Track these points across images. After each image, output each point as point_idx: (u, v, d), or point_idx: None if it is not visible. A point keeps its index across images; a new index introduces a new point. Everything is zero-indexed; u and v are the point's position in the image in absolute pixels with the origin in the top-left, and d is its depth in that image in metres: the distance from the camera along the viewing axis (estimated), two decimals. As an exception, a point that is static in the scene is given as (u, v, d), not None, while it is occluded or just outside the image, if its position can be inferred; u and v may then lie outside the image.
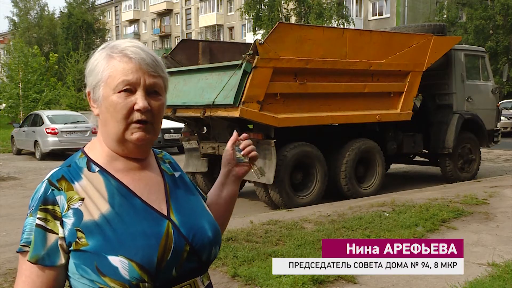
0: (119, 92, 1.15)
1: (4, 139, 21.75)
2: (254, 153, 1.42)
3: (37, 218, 1.12)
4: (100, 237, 1.10)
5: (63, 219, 1.12)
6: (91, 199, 1.14)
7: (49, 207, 1.12)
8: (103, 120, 1.19)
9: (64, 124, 15.03)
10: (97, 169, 1.19)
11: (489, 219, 6.17)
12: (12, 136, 17.64)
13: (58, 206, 1.12)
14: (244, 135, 1.44)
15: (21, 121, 19.09)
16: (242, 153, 1.41)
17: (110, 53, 1.18)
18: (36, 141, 15.25)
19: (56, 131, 14.73)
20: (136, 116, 1.16)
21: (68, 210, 1.12)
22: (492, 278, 4.06)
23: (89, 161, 1.20)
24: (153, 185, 1.22)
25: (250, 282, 4.07)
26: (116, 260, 1.08)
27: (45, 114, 15.96)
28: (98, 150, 1.22)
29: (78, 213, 1.12)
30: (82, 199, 1.13)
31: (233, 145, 1.43)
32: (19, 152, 17.20)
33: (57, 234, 1.11)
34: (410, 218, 5.97)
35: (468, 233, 5.60)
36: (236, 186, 1.45)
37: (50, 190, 1.14)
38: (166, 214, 1.19)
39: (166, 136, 15.27)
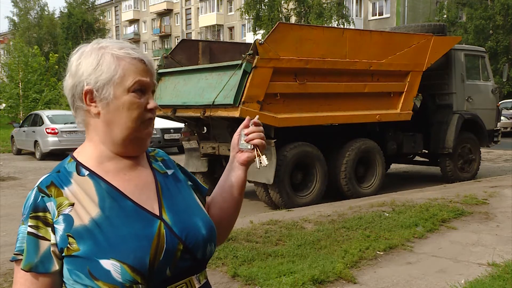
0: (132, 92, 1.16)
1: (4, 139, 21.75)
2: (257, 140, 1.34)
3: (29, 226, 1.12)
4: (90, 242, 1.09)
5: (55, 225, 1.11)
6: (81, 203, 1.13)
7: (40, 214, 1.12)
8: (107, 120, 1.17)
9: (64, 124, 15.01)
10: (86, 172, 1.18)
11: (489, 219, 6.17)
12: (12, 136, 17.64)
13: (49, 213, 1.12)
14: (254, 120, 1.37)
15: (21, 121, 19.09)
16: (245, 139, 1.36)
17: (115, 53, 1.17)
18: (36, 141, 15.25)
19: (56, 131, 14.73)
20: (149, 115, 1.20)
21: (58, 216, 1.12)
22: (492, 278, 4.06)
23: (78, 165, 1.19)
24: (144, 185, 1.21)
25: (250, 282, 4.07)
26: (108, 264, 1.08)
27: (45, 114, 15.95)
28: (88, 152, 1.21)
29: (68, 219, 1.11)
30: (72, 204, 1.13)
31: (241, 130, 1.38)
32: (19, 152, 17.20)
33: (49, 240, 1.11)
34: (410, 218, 5.97)
35: (468, 233, 5.60)
36: (241, 171, 1.38)
37: (40, 197, 1.13)
38: (158, 214, 1.18)
39: (166, 136, 15.28)
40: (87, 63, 1.17)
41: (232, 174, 1.40)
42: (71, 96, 1.20)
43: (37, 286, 1.12)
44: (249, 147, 1.35)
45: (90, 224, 1.11)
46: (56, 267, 1.12)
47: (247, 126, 1.37)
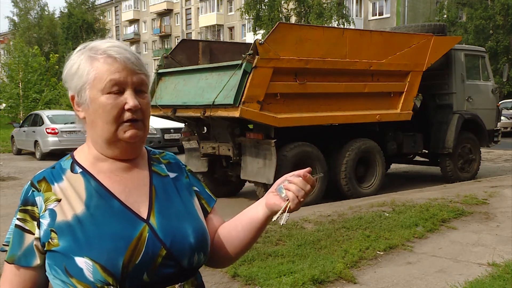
0: (107, 93, 1.14)
1: (4, 139, 21.74)
2: (291, 194, 1.18)
3: (17, 218, 1.14)
4: (70, 238, 1.09)
5: (40, 219, 1.12)
6: (68, 200, 1.13)
7: (29, 208, 1.14)
8: (90, 123, 1.17)
9: (64, 124, 15.01)
10: (79, 170, 1.18)
11: (489, 219, 6.17)
12: (12, 136, 17.64)
13: (37, 207, 1.13)
14: (307, 175, 1.21)
15: (21, 121, 19.09)
16: (284, 184, 1.21)
17: (92, 54, 1.16)
18: (36, 141, 15.25)
19: (56, 131, 14.73)
20: (127, 115, 1.14)
21: (45, 211, 1.12)
22: (492, 278, 4.06)
23: (74, 163, 1.20)
24: (135, 187, 1.20)
25: (250, 282, 4.07)
26: (82, 262, 1.07)
27: (45, 114, 15.96)
28: (85, 152, 1.22)
29: (52, 214, 1.12)
30: (59, 200, 1.13)
31: (290, 176, 1.23)
32: (19, 152, 17.20)
33: (34, 234, 1.12)
34: (410, 218, 5.97)
35: (468, 233, 5.60)
36: (262, 212, 1.24)
37: (31, 191, 1.15)
38: (145, 217, 1.16)
39: (166, 136, 15.28)
40: (70, 70, 1.19)
41: (255, 209, 1.27)
42: (70, 101, 1.23)
43: (19, 279, 1.14)
44: (283, 195, 1.20)
45: (72, 221, 1.11)
46: (38, 261, 1.13)
47: (300, 176, 1.21)
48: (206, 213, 1.32)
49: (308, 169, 1.23)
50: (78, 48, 1.21)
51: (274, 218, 1.21)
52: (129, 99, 1.14)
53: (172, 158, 1.35)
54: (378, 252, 4.84)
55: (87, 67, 1.15)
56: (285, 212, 1.18)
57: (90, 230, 1.10)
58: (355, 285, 4.08)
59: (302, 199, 1.19)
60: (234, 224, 1.30)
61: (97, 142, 1.19)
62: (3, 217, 7.12)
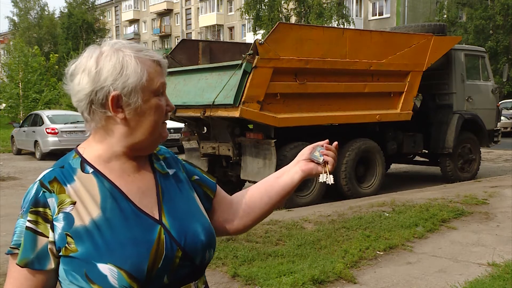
0: (156, 95, 1.17)
1: (4, 139, 21.73)
2: (331, 159, 1.38)
3: (28, 220, 1.09)
4: (89, 244, 1.07)
5: (54, 222, 1.09)
6: (83, 203, 1.10)
7: (40, 209, 1.09)
8: (132, 124, 1.14)
9: (64, 124, 15.02)
10: (91, 170, 1.15)
11: (489, 219, 6.17)
12: (12, 136, 17.64)
13: (49, 209, 1.09)
14: (335, 143, 1.43)
15: (21, 121, 19.09)
16: (322, 151, 1.39)
17: (136, 55, 1.14)
18: (36, 141, 15.26)
19: (56, 131, 14.73)
20: (168, 116, 1.21)
21: (58, 213, 1.09)
22: (492, 278, 4.06)
23: (83, 162, 1.16)
24: (146, 189, 1.19)
25: (250, 282, 4.07)
26: (105, 268, 1.05)
27: (45, 114, 15.96)
28: (95, 151, 1.17)
29: (69, 218, 1.08)
30: (74, 203, 1.10)
31: (317, 145, 1.42)
32: (19, 152, 17.20)
33: (48, 237, 1.09)
34: (410, 218, 5.98)
35: (468, 233, 5.60)
36: (298, 176, 1.41)
37: (42, 192, 1.10)
38: (158, 219, 1.15)
39: (166, 136, 15.28)
40: (109, 68, 1.12)
41: (285, 177, 1.42)
42: (89, 101, 1.13)
43: (31, 283, 1.10)
44: (320, 160, 1.39)
45: (90, 225, 1.08)
46: (52, 265, 1.09)
47: (329, 144, 1.42)
48: (210, 200, 1.35)
49: (327, 140, 1.42)
50: (107, 47, 1.15)
51: (322, 180, 1.38)
52: (168, 101, 1.21)
53: (166, 152, 1.34)
54: (378, 252, 4.84)
55: (138, 67, 1.13)
56: (327, 173, 1.38)
57: (109, 236, 1.08)
58: (355, 285, 4.08)
59: (334, 164, 1.39)
60: (264, 190, 1.41)
61: (130, 142, 1.16)
62: (3, 217, 7.12)
